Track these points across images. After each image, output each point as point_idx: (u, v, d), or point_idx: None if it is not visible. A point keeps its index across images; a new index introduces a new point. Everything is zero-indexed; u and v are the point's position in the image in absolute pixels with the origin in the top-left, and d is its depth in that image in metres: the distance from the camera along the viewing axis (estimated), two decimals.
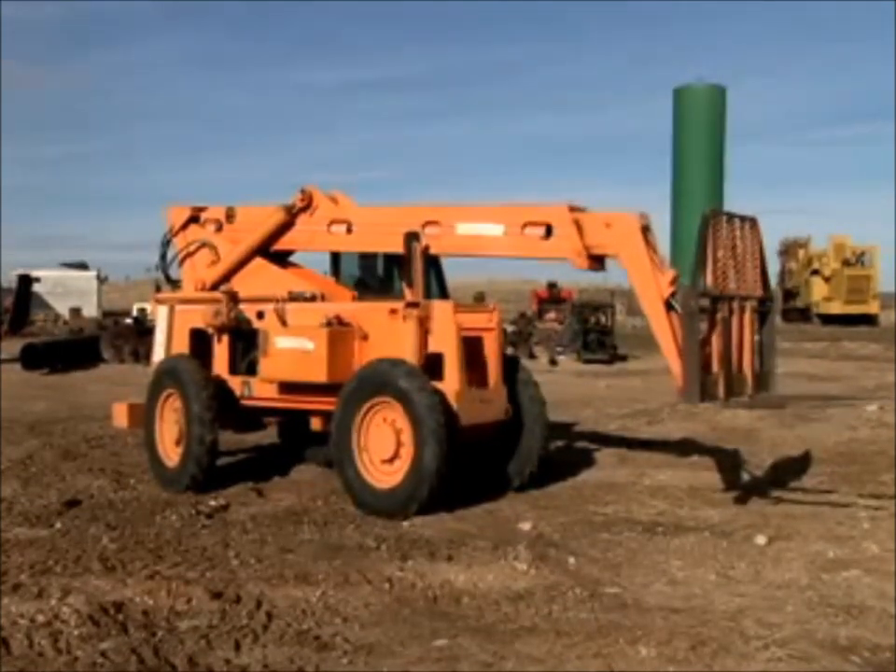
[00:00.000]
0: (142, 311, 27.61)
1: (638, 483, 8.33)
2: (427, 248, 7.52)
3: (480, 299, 42.47)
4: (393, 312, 7.35)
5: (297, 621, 4.77)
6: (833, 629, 4.69)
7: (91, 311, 41.69)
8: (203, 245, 8.60)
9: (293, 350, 7.45)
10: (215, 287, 8.38)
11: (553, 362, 22.74)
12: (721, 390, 6.50)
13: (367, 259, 9.14)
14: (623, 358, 23.39)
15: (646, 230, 6.84)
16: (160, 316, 8.67)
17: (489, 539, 6.35)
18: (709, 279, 6.53)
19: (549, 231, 7.15)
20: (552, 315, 32.79)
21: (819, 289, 48.92)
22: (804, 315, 48.71)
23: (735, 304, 6.73)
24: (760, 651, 4.39)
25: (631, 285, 7.04)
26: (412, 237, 7.44)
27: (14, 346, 21.26)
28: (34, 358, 19.55)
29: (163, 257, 8.97)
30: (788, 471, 8.69)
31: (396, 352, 7.16)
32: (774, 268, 51.96)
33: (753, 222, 7.00)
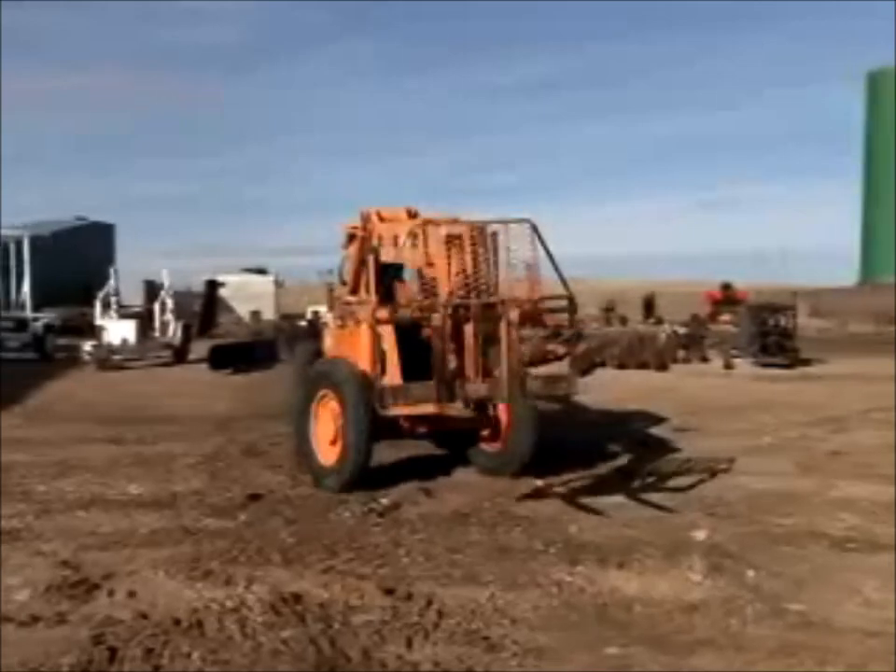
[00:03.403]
0: (315, 314, 28.72)
1: (824, 494, 7.83)
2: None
3: (650, 301, 41.39)
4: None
5: (466, 620, 4.80)
6: None
7: (269, 314, 43.95)
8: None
9: (326, 345, 9.32)
10: (352, 293, 9.50)
11: (727, 366, 21.84)
12: (432, 394, 7.08)
13: None
14: (806, 363, 22.10)
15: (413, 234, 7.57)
16: (333, 314, 10.09)
17: (661, 546, 6.16)
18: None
19: None
20: (726, 317, 31.56)
21: None
22: None
23: (470, 311, 7.17)
24: None
25: None
26: (369, 249, 8.28)
27: (202, 348, 22.65)
28: (219, 359, 20.75)
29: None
30: None
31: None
32: None
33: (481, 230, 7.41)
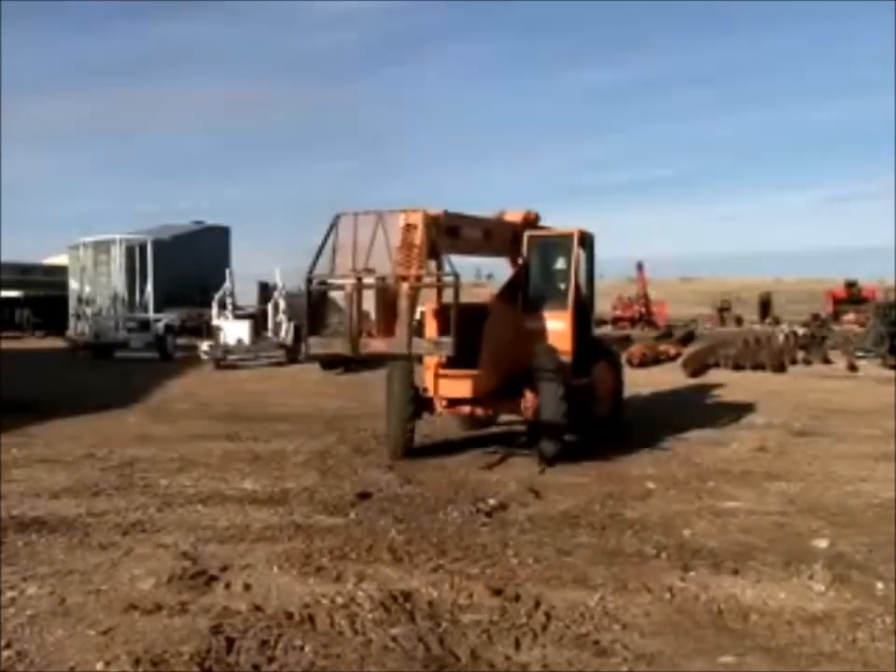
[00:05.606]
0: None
1: None
2: None
3: (766, 300, 40.03)
4: None
5: (575, 624, 4.73)
6: None
7: None
8: None
9: None
10: None
11: (852, 367, 20.88)
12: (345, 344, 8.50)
13: None
14: None
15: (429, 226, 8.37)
16: None
17: (779, 554, 5.93)
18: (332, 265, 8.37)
19: None
20: (850, 316, 30.26)
21: None
22: None
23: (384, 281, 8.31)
24: None
25: None
26: None
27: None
28: (330, 359, 21.12)
29: None
30: None
31: None
32: None
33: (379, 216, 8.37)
